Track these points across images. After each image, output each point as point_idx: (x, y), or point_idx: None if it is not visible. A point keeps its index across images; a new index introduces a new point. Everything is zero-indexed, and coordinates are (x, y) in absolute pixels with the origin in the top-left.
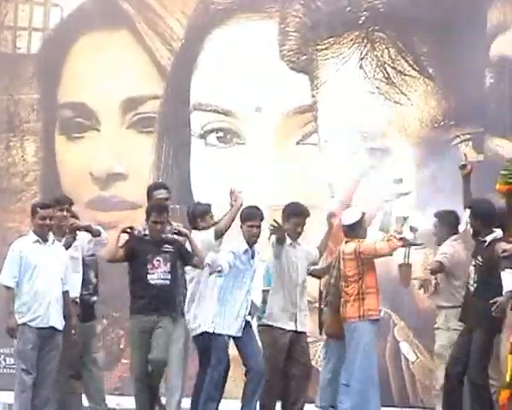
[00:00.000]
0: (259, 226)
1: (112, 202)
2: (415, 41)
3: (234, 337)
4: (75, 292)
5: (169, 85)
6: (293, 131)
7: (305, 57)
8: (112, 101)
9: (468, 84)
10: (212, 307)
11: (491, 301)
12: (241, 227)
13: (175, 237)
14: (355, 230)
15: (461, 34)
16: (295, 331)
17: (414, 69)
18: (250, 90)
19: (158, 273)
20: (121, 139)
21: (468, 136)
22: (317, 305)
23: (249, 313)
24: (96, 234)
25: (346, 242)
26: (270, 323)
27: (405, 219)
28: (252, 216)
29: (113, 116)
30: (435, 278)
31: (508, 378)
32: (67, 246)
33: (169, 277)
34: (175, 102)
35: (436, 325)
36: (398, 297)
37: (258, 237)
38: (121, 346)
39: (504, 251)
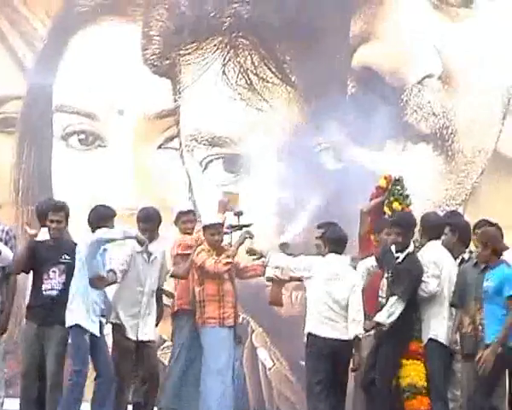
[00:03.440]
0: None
1: None
2: (278, 48)
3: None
4: None
5: (31, 86)
6: (155, 135)
7: (167, 62)
8: None
9: (330, 92)
10: None
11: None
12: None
13: None
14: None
15: (324, 42)
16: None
17: (276, 76)
18: (112, 93)
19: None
20: None
21: (329, 144)
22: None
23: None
24: None
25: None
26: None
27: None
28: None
29: None
30: None
31: (420, 383)
32: None
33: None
34: (37, 103)
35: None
36: (256, 303)
37: None
38: None
39: None
